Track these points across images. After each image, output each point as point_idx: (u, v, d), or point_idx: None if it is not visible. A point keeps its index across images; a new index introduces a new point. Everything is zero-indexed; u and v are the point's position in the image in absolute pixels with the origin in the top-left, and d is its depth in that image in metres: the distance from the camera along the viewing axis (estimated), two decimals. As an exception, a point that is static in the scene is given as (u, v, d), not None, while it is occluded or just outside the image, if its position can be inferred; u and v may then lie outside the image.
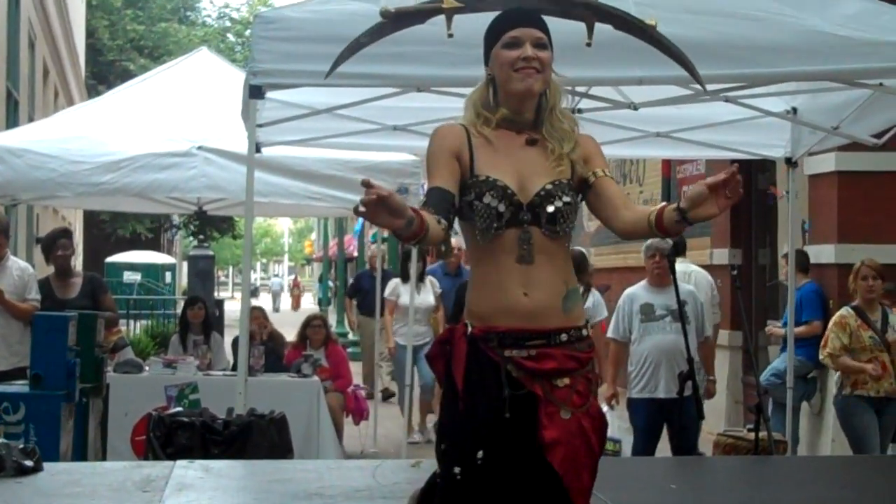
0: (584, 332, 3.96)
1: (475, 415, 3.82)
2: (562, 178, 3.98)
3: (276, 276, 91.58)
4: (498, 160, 3.94)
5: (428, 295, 13.55)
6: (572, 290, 3.97)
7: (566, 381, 3.87)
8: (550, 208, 3.91)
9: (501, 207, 3.87)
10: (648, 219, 3.90)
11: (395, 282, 13.76)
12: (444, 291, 13.68)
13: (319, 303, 49.55)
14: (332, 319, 26.13)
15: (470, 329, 3.87)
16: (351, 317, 18.50)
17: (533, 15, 4.10)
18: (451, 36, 4.12)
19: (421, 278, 13.28)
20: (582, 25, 5.63)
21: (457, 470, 3.82)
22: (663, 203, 3.95)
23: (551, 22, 4.18)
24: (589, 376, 3.95)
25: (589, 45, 4.34)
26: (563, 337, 3.88)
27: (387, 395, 16.69)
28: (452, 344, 3.88)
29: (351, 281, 21.62)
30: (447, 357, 3.91)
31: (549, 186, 3.94)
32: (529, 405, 3.83)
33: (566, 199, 3.95)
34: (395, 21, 4.11)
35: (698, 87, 7.58)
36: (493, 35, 4.04)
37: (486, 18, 6.52)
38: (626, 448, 9.23)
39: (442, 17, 4.22)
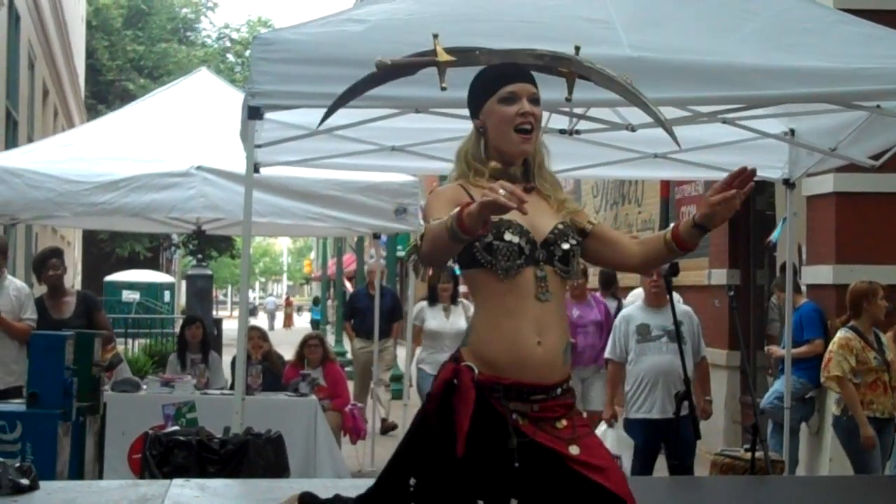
0: (570, 381, 4.07)
1: (476, 464, 3.83)
2: (567, 221, 4.09)
3: (272, 295, 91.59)
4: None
5: (459, 319, 12.34)
6: (569, 342, 4.10)
7: (564, 422, 3.96)
8: (565, 246, 4.02)
9: (523, 243, 3.94)
10: (665, 237, 4.06)
11: (420, 305, 12.96)
12: None
13: (314, 325, 49.58)
14: (330, 339, 26.03)
15: (476, 374, 3.88)
16: (353, 341, 17.15)
17: (527, 70, 4.17)
18: (444, 89, 4.17)
19: (453, 301, 12.70)
20: (585, 50, 5.68)
21: None
22: (673, 224, 4.08)
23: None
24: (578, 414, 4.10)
25: (569, 100, 4.42)
26: (559, 391, 3.98)
27: (386, 429, 16.04)
28: (460, 387, 3.87)
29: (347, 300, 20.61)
30: (448, 397, 3.90)
31: (560, 226, 4.05)
32: (533, 453, 3.87)
33: (577, 238, 4.09)
34: (390, 72, 4.15)
35: (696, 108, 7.65)
36: (486, 88, 4.10)
37: (487, 39, 6.57)
38: (626, 462, 9.24)
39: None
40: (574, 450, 3.89)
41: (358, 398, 15.29)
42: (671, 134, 4.83)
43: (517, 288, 3.93)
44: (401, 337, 15.70)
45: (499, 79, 4.10)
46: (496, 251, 3.91)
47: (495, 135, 4.07)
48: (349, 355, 26.73)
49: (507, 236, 3.91)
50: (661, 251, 4.11)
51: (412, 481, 3.92)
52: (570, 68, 4.32)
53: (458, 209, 3.54)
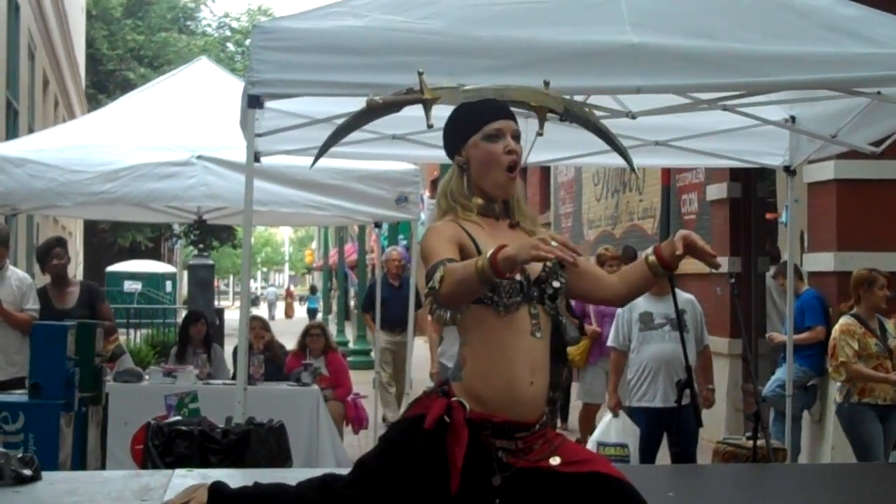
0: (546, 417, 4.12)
1: (463, 498, 3.89)
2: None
3: (272, 285, 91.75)
4: (497, 242, 3.92)
5: None
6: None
7: (539, 443, 4.04)
8: (556, 284, 4.07)
9: (523, 280, 3.98)
10: (647, 260, 4.18)
11: None
12: None
13: (311, 313, 49.82)
14: (332, 328, 25.98)
15: (468, 411, 3.90)
16: (374, 333, 16.20)
17: (507, 107, 4.22)
18: (430, 126, 4.26)
19: None
20: (586, 37, 5.72)
21: None
22: (651, 248, 4.23)
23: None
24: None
25: (540, 134, 4.59)
26: (536, 427, 4.02)
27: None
28: (453, 426, 3.88)
29: (366, 292, 19.79)
30: (441, 433, 3.90)
31: (549, 265, 4.05)
32: (519, 478, 3.96)
33: (564, 277, 4.11)
34: (380, 110, 4.24)
35: (696, 95, 7.65)
36: (470, 125, 4.12)
37: (487, 27, 6.57)
38: (633, 450, 9.24)
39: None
40: (555, 460, 3.98)
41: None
42: (630, 164, 4.86)
43: (514, 324, 3.96)
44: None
45: (482, 115, 4.13)
46: (500, 288, 3.92)
47: (480, 172, 4.11)
48: (351, 345, 26.82)
49: (517, 274, 3.94)
50: (645, 275, 4.21)
51: None
52: (543, 104, 4.35)
53: (490, 253, 3.60)
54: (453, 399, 3.91)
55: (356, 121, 4.40)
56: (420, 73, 4.32)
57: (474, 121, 4.11)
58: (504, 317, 3.93)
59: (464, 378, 3.95)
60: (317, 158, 4.93)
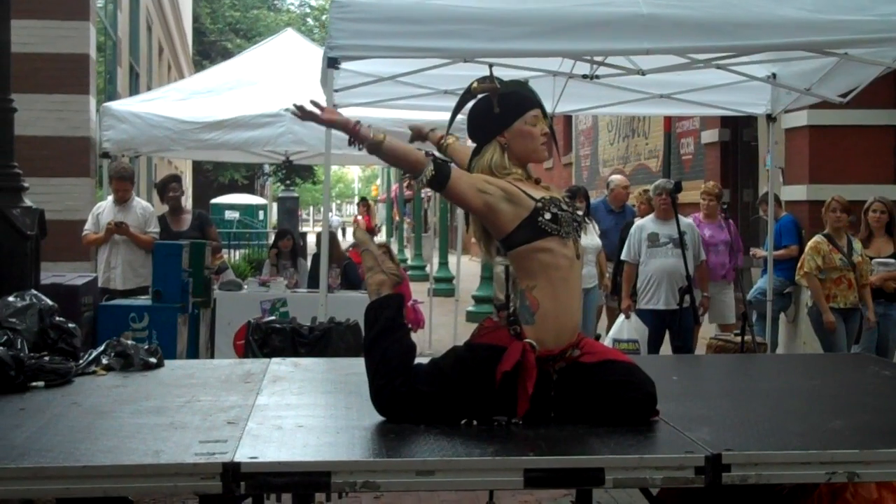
0: None
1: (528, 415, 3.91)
2: None
3: (337, 214, 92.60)
4: (537, 191, 4.07)
5: (592, 235, 10.73)
6: None
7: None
8: (580, 212, 4.21)
9: (570, 211, 4.06)
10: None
11: None
12: (607, 229, 11.34)
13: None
14: (394, 247, 26.09)
15: (537, 351, 3.89)
16: None
17: (538, 99, 4.27)
18: (497, 112, 4.18)
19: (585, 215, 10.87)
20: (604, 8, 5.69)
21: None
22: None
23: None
24: None
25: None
26: (576, 338, 4.03)
27: None
28: (526, 365, 3.85)
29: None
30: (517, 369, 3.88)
31: (568, 201, 4.16)
32: (560, 382, 3.98)
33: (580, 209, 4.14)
34: (475, 94, 4.31)
35: (695, 56, 7.60)
36: (514, 113, 4.17)
37: (515, 9, 6.51)
38: (643, 345, 9.27)
39: None
40: (576, 352, 3.98)
41: None
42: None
43: (570, 250, 4.00)
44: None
45: (524, 105, 4.19)
46: (561, 220, 3.97)
47: (523, 147, 4.14)
48: (409, 262, 26.91)
49: (564, 206, 4.02)
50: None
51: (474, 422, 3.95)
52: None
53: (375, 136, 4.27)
54: (526, 341, 3.89)
55: (459, 105, 4.45)
56: (490, 67, 4.42)
57: (519, 109, 4.17)
58: (566, 243, 3.97)
59: (536, 322, 3.93)
60: (448, 127, 4.97)
